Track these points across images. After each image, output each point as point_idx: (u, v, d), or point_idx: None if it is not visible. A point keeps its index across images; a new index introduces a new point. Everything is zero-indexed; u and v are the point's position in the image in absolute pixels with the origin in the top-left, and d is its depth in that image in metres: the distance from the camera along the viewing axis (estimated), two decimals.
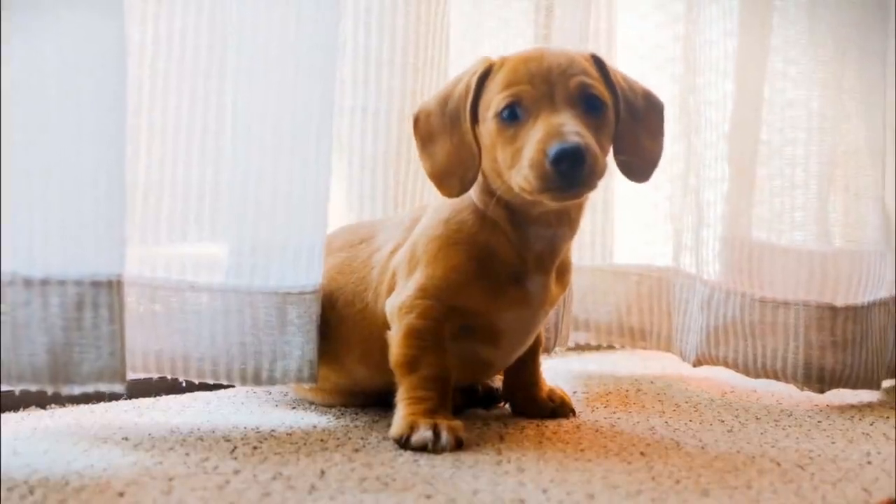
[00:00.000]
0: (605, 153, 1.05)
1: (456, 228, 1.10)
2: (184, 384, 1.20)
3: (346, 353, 1.17)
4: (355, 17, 1.33)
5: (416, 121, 1.12)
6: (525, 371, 1.22)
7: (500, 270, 1.09)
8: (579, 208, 1.12)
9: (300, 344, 1.14)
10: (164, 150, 1.14)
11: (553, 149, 0.97)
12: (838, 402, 1.37)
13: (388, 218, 1.27)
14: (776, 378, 1.39)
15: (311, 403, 1.26)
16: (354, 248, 1.20)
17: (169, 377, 1.15)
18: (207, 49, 1.14)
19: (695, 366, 1.45)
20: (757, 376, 1.40)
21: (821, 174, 1.41)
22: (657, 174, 1.54)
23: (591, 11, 1.46)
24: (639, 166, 1.11)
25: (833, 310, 1.37)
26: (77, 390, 0.98)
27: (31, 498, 0.84)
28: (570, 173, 0.98)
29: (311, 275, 1.14)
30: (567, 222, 1.11)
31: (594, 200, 1.57)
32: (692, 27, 1.47)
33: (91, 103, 0.98)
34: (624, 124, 1.08)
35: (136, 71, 1.12)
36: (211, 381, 1.15)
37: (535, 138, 1.00)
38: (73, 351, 0.98)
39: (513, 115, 1.03)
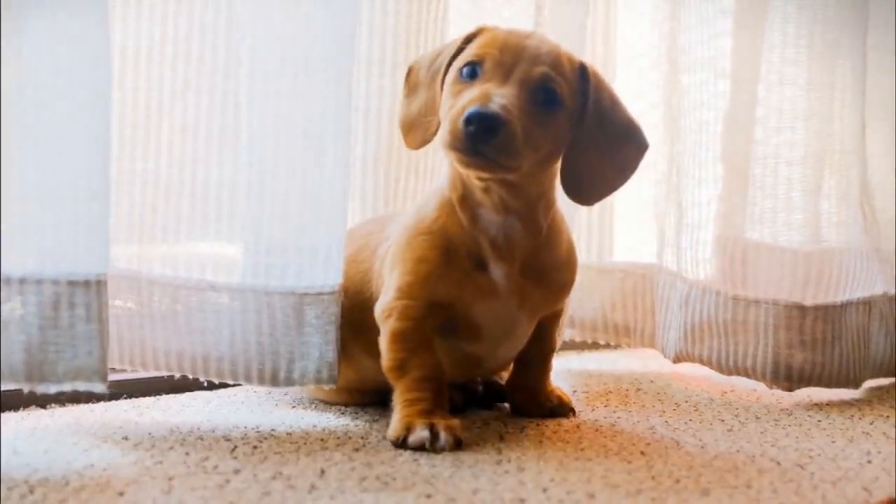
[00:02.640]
0: (538, 149, 1.04)
1: (420, 218, 1.12)
2: (204, 383, 1.20)
3: (354, 342, 1.17)
4: None
5: (410, 71, 1.15)
6: (529, 371, 1.22)
7: (462, 256, 1.09)
8: (528, 204, 1.09)
9: (318, 345, 1.14)
10: (183, 150, 1.14)
11: (470, 109, 0.98)
12: (838, 401, 1.38)
13: (404, 211, 1.27)
14: (747, 376, 1.40)
15: (315, 401, 1.26)
16: (371, 237, 1.20)
17: (190, 377, 1.15)
18: (225, 49, 1.14)
19: (674, 362, 1.46)
20: (729, 374, 1.41)
21: (807, 174, 1.42)
22: (648, 172, 1.57)
23: (588, 8, 1.47)
24: (581, 186, 1.10)
25: (802, 309, 1.37)
26: (53, 389, 0.98)
27: (31, 497, 0.84)
28: (477, 138, 0.98)
29: (328, 275, 1.14)
30: (514, 213, 1.09)
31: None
32: (675, 24, 1.47)
33: (72, 103, 0.98)
34: (584, 139, 1.08)
35: (157, 70, 1.13)
36: (230, 382, 1.15)
37: (466, 98, 1.01)
38: (48, 350, 0.97)
39: (471, 74, 1.05)
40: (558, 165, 1.10)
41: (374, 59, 1.34)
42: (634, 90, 1.58)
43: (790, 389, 1.38)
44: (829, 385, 1.39)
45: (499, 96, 1.00)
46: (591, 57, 1.53)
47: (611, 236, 1.61)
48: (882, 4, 1.52)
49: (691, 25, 1.44)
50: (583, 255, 1.56)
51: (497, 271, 1.10)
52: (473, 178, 1.07)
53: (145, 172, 1.14)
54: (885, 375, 1.50)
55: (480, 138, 0.98)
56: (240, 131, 1.14)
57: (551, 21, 1.43)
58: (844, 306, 1.40)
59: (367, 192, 1.36)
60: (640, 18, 1.59)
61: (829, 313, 1.39)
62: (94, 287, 0.99)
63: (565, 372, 1.51)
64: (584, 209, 1.57)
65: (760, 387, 1.44)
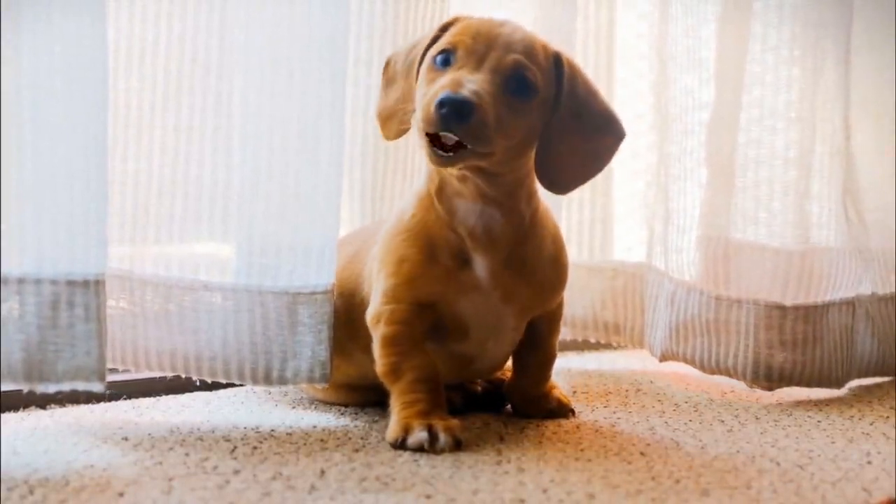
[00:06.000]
0: (510, 137, 1.03)
1: (399, 218, 1.12)
2: (198, 383, 1.20)
3: (353, 342, 1.17)
4: None
5: (387, 64, 1.15)
6: (529, 377, 1.21)
7: (443, 252, 1.09)
8: (507, 193, 1.09)
9: (311, 344, 1.14)
10: (177, 150, 1.14)
11: (442, 94, 0.98)
12: (838, 401, 1.38)
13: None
14: (728, 375, 1.41)
15: (315, 401, 1.26)
16: (366, 241, 1.20)
17: (183, 376, 1.15)
18: (218, 49, 1.14)
19: (661, 361, 1.47)
20: (712, 373, 1.42)
21: (790, 175, 1.42)
22: (644, 174, 1.57)
23: (578, 9, 1.48)
24: (553, 174, 1.09)
25: (782, 309, 1.38)
26: (52, 389, 0.98)
27: (31, 498, 0.84)
28: (449, 121, 0.98)
29: (321, 275, 1.14)
30: (493, 202, 1.08)
31: (585, 198, 1.57)
32: (665, 27, 1.48)
33: (70, 103, 0.98)
34: (559, 127, 1.07)
35: (150, 71, 1.13)
36: (223, 381, 1.16)
37: (439, 84, 1.01)
38: (47, 349, 0.97)
39: (445, 62, 1.05)
40: None
41: (361, 59, 1.34)
42: (634, 91, 1.58)
43: (770, 389, 1.40)
44: (809, 385, 1.40)
45: (470, 82, 1.00)
46: (587, 58, 1.53)
47: (603, 235, 1.61)
48: (866, 5, 1.52)
49: (682, 28, 1.45)
50: (574, 254, 1.56)
51: (479, 264, 1.09)
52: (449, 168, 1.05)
53: (138, 173, 1.14)
54: (874, 375, 1.51)
55: (452, 121, 0.98)
56: (233, 131, 1.14)
57: (542, 23, 1.43)
58: (826, 307, 1.41)
59: (355, 191, 1.37)
60: (640, 20, 1.59)
61: (810, 313, 1.40)
62: (93, 287, 1.00)
63: (565, 372, 1.51)
64: (579, 207, 1.57)
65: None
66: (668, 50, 1.47)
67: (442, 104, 0.98)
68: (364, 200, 1.37)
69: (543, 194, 1.13)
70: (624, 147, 1.56)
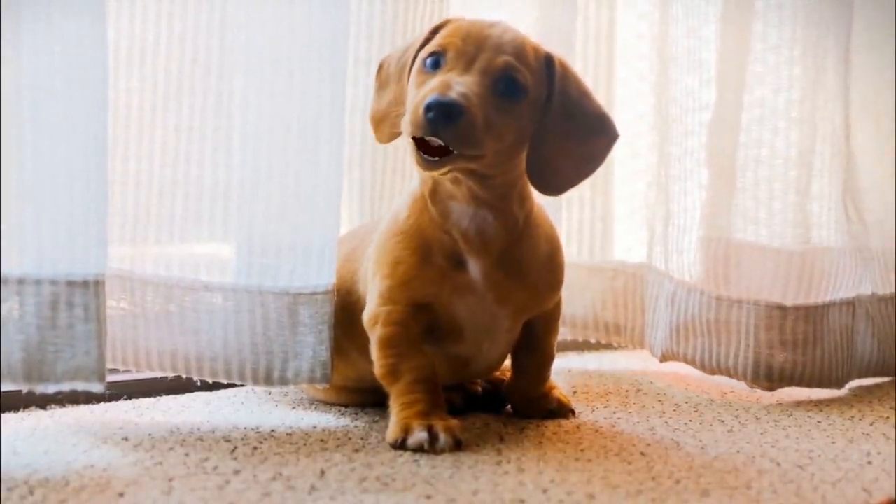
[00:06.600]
0: (500, 139, 1.03)
1: (394, 219, 1.12)
2: (198, 383, 1.20)
3: (349, 343, 1.17)
4: None
5: (380, 67, 1.15)
6: (527, 379, 1.21)
7: (437, 253, 1.09)
8: (500, 195, 1.08)
9: (312, 345, 1.14)
10: (177, 150, 1.15)
11: (430, 97, 0.98)
12: (838, 402, 1.38)
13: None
14: (729, 375, 1.41)
15: (315, 402, 1.26)
16: (364, 239, 1.20)
17: (183, 376, 1.15)
18: (219, 49, 1.14)
19: (661, 361, 1.47)
20: (712, 373, 1.42)
21: (791, 175, 1.43)
22: (645, 174, 1.57)
23: (578, 9, 1.48)
24: (546, 175, 1.09)
25: (783, 309, 1.39)
26: (52, 389, 0.98)
27: (31, 498, 0.84)
28: (437, 125, 0.97)
29: (322, 275, 1.15)
30: (486, 204, 1.08)
31: (585, 198, 1.57)
32: (665, 28, 1.48)
33: (70, 103, 0.98)
34: (551, 128, 1.07)
35: (151, 71, 1.13)
36: (224, 381, 1.16)
37: (428, 87, 1.01)
38: (47, 350, 0.97)
39: (435, 64, 1.04)
40: None
41: (360, 59, 1.34)
42: (635, 92, 1.58)
43: (771, 389, 1.40)
44: (810, 385, 1.40)
45: (459, 84, 1.00)
46: (587, 58, 1.53)
47: (603, 235, 1.61)
48: (866, 5, 1.52)
49: (683, 29, 1.45)
50: (574, 254, 1.56)
51: (473, 266, 1.09)
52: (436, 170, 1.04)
53: (139, 173, 1.14)
54: (874, 375, 1.51)
55: (440, 125, 0.97)
56: (233, 131, 1.15)
57: (542, 24, 1.43)
58: (826, 307, 1.41)
59: (354, 192, 1.37)
60: (640, 21, 1.59)
61: (810, 314, 1.40)
62: (93, 287, 1.00)
63: (565, 372, 1.51)
64: (579, 207, 1.57)
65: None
66: (669, 51, 1.47)
67: (430, 108, 0.97)
68: (363, 200, 1.38)
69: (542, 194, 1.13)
70: (624, 147, 1.58)
